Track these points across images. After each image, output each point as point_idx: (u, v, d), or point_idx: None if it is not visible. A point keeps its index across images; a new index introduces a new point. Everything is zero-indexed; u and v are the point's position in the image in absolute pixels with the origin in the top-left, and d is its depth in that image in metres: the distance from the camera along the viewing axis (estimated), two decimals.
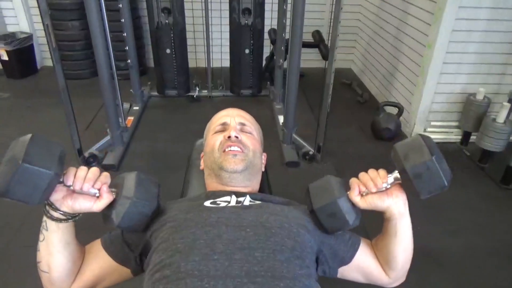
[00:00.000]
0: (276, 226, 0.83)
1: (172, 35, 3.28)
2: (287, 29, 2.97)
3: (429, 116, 2.93)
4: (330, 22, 2.51)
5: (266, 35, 3.57)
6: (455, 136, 2.97)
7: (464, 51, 2.69)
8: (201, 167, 1.09)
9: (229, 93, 3.67)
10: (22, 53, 3.79)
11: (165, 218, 0.88)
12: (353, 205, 0.84)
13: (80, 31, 3.71)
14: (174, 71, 3.44)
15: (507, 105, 2.46)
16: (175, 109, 3.44)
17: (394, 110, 2.99)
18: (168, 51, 3.34)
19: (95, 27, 2.28)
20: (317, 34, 3.74)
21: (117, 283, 0.94)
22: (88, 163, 2.47)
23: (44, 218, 0.80)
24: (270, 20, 3.56)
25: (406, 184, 0.81)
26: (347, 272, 0.95)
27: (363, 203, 0.83)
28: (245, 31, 3.36)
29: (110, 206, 0.80)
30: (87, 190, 0.77)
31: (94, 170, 0.79)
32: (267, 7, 3.40)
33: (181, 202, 0.95)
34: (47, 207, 0.79)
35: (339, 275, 0.95)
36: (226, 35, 3.52)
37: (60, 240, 0.81)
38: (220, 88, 3.67)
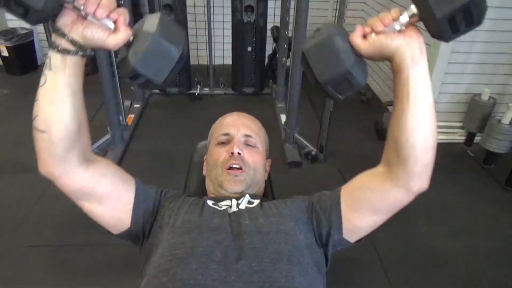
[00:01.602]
0: (273, 230, 0.81)
1: None
2: (290, 26, 2.93)
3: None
4: (334, 20, 2.48)
5: (268, 33, 3.53)
6: (459, 137, 2.94)
7: (469, 50, 2.65)
8: (204, 172, 1.07)
9: (231, 91, 3.64)
10: (23, 49, 3.76)
11: (167, 216, 0.86)
12: (356, 52, 0.67)
13: None
14: None
15: None
16: (177, 107, 3.41)
17: None
18: None
19: None
20: None
21: (101, 218, 0.84)
22: None
23: (49, 53, 0.67)
24: (273, 18, 3.52)
25: (422, 10, 0.62)
26: (351, 226, 0.83)
27: (365, 44, 0.65)
28: (247, 29, 3.33)
29: (127, 47, 0.67)
30: (101, 17, 0.63)
31: None
32: (270, 4, 3.37)
33: (185, 199, 0.92)
34: (53, 34, 0.65)
35: (350, 237, 0.85)
36: (228, 32, 3.48)
37: (65, 84, 0.67)
38: (222, 86, 3.64)
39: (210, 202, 0.89)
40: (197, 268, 0.73)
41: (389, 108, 2.98)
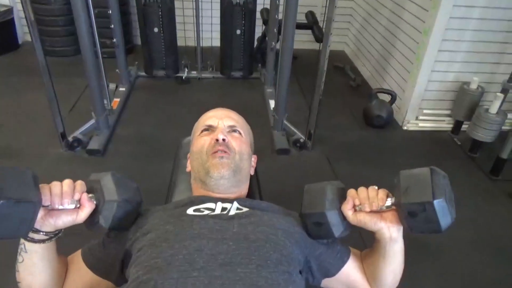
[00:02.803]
0: (262, 238, 0.79)
1: (160, 13, 3.14)
2: (280, 8, 2.86)
3: (422, 104, 2.90)
4: (326, 2, 2.42)
5: (258, 15, 3.45)
6: (446, 125, 2.96)
7: (459, 39, 2.64)
8: (188, 169, 1.04)
9: (219, 75, 3.58)
10: (2, 27, 3.62)
11: (146, 227, 0.83)
12: (344, 217, 0.82)
13: (63, 6, 3.53)
14: (162, 51, 3.32)
15: (500, 95, 2.44)
16: (163, 90, 3.33)
17: (386, 97, 2.95)
18: (156, 30, 3.21)
19: (77, 2, 2.15)
20: (310, 15, 3.63)
21: None
22: (72, 147, 2.39)
23: (22, 241, 0.75)
24: (262, 0, 3.43)
25: (400, 215, 0.77)
26: (331, 283, 0.93)
27: (353, 218, 0.80)
28: (236, 11, 3.24)
29: (93, 212, 0.77)
30: (67, 204, 0.73)
31: (68, 182, 0.76)
32: None
33: (163, 210, 0.90)
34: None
35: (322, 285, 0.93)
36: (217, 13, 3.38)
37: (41, 259, 0.77)
38: (210, 69, 3.57)
39: (190, 211, 0.86)
40: (178, 278, 0.71)
41: (379, 95, 2.96)
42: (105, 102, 2.62)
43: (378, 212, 0.79)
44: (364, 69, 3.83)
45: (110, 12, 2.90)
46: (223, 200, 0.90)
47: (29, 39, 3.91)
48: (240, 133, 1.01)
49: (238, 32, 3.34)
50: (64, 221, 0.74)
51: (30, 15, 2.01)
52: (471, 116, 2.65)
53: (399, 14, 3.08)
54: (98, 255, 0.88)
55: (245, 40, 3.40)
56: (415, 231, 0.75)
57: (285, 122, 2.68)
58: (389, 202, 0.78)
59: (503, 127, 2.60)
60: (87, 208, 0.75)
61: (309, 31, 3.57)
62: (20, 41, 3.90)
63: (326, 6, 2.48)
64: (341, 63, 3.95)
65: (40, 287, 0.79)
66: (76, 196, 0.75)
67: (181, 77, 3.44)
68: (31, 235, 0.74)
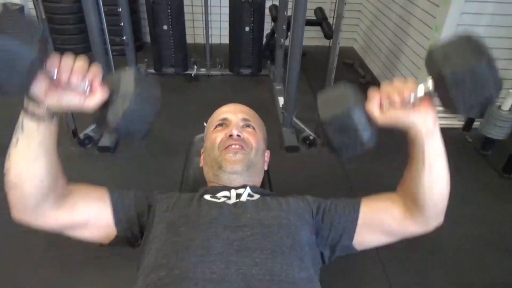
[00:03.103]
0: (275, 224, 0.80)
1: (169, 10, 3.15)
2: (290, 5, 2.85)
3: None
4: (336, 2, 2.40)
5: (267, 11, 3.44)
6: (458, 122, 2.92)
7: None
8: (201, 164, 1.04)
9: (228, 72, 3.58)
10: None
11: (163, 209, 0.84)
12: (370, 120, 0.69)
13: (73, 4, 3.55)
14: (171, 48, 3.34)
15: None
16: (172, 88, 3.35)
17: None
18: (165, 27, 3.22)
19: (87, 0, 2.17)
20: (319, 11, 3.61)
21: (90, 239, 0.85)
22: (84, 144, 2.41)
23: (21, 116, 0.66)
24: None
25: (441, 95, 0.65)
26: (362, 238, 0.86)
27: (382, 117, 0.69)
28: (245, 7, 3.24)
29: (104, 106, 0.66)
30: (75, 83, 0.63)
31: (83, 61, 0.64)
32: None
33: (180, 195, 0.90)
34: (27, 102, 0.64)
35: (358, 247, 0.87)
36: (226, 10, 3.39)
37: (38, 145, 0.67)
38: (219, 66, 3.57)
39: (207, 197, 0.87)
40: (196, 262, 0.72)
41: None
42: None
43: (409, 105, 0.69)
44: (373, 66, 3.80)
45: (120, 10, 2.91)
46: (237, 188, 0.91)
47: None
48: (254, 128, 1.02)
49: (247, 29, 3.33)
50: (69, 101, 0.64)
51: (41, 13, 2.04)
52: (483, 113, 2.62)
53: (410, 10, 3.04)
54: (126, 200, 0.86)
55: (254, 37, 3.39)
56: (462, 108, 0.63)
57: (294, 119, 2.67)
58: (421, 89, 0.67)
59: None
60: (98, 95, 0.64)
61: (318, 28, 3.55)
62: None
63: (336, 2, 2.47)
64: (350, 59, 3.92)
65: (32, 181, 0.69)
66: (89, 77, 0.63)
67: (190, 74, 3.45)
68: (31, 108, 0.64)
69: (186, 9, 3.35)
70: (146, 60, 3.51)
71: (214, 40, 3.48)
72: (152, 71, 3.48)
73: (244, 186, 0.91)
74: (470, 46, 0.62)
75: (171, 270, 0.72)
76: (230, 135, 0.95)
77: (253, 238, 0.76)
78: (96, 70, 0.64)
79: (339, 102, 0.70)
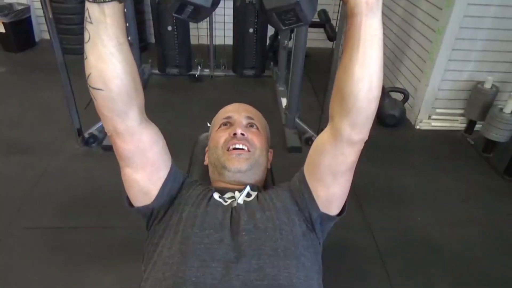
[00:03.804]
0: (270, 226, 0.82)
1: None
2: None
3: (435, 103, 2.88)
4: (340, 1, 2.41)
5: None
6: (460, 124, 2.93)
7: (474, 37, 2.61)
8: (205, 162, 1.07)
9: (231, 73, 3.60)
10: (20, 25, 3.69)
11: (180, 202, 0.88)
12: None
13: (78, 4, 3.59)
14: (175, 49, 3.36)
15: None
16: (176, 88, 3.38)
17: (399, 96, 2.94)
18: (169, 28, 3.25)
19: None
20: (323, 13, 3.63)
21: (134, 184, 0.86)
22: (88, 143, 2.44)
23: (86, 6, 0.65)
24: None
25: None
26: (322, 197, 0.84)
27: None
28: (249, 9, 3.26)
29: None
30: None
31: None
32: None
33: (197, 187, 0.93)
34: None
35: (326, 209, 0.85)
36: (230, 11, 3.41)
37: (110, 36, 0.66)
38: (223, 67, 3.60)
39: (216, 195, 0.89)
40: (199, 266, 0.75)
41: (391, 94, 2.95)
42: None
43: None
44: None
45: (125, 10, 2.94)
46: (240, 190, 0.92)
47: (46, 37, 4.01)
48: (257, 128, 1.03)
49: (251, 30, 3.35)
50: None
51: (48, 14, 2.06)
52: (484, 115, 2.63)
53: (413, 13, 3.06)
54: (178, 175, 0.91)
55: (258, 38, 3.41)
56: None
57: (297, 120, 2.69)
58: None
59: None
60: None
61: (321, 30, 3.57)
62: (37, 39, 3.98)
63: (339, 5, 2.49)
64: None
65: (114, 80, 0.68)
66: None
67: (194, 75, 3.47)
68: None
69: None
70: (150, 60, 3.54)
71: (218, 41, 3.51)
72: (156, 71, 3.51)
73: (245, 185, 0.93)
74: None
75: (175, 272, 0.74)
76: (234, 134, 0.97)
77: (250, 243, 0.78)
78: None
79: None
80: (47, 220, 1.93)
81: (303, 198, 0.85)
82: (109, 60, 0.67)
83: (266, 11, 0.63)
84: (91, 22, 0.65)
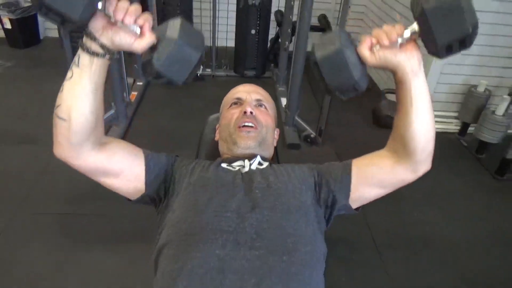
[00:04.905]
0: (282, 187, 0.89)
1: (178, 11, 3.27)
2: (295, 10, 2.96)
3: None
4: (340, 7, 2.51)
5: (272, 17, 3.55)
6: (454, 127, 3.02)
7: None
8: (216, 138, 1.14)
9: (233, 73, 3.68)
10: (26, 22, 3.76)
11: (184, 175, 0.93)
12: (361, 61, 0.76)
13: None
14: None
15: (507, 98, 2.50)
16: (178, 86, 3.41)
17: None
18: None
19: None
20: (323, 18, 3.73)
21: (120, 190, 0.92)
22: None
23: (78, 52, 0.73)
24: (277, 1, 3.54)
25: (424, 33, 0.71)
26: (356, 195, 0.92)
27: (372, 57, 0.76)
28: (252, 11, 3.35)
29: (151, 51, 0.72)
30: (128, 23, 0.70)
31: (137, 5, 0.71)
32: None
33: (199, 161, 1.00)
34: (85, 37, 0.72)
35: (354, 204, 0.94)
36: (233, 14, 3.50)
37: (90, 81, 0.74)
38: (224, 68, 3.68)
39: (224, 164, 0.96)
40: (214, 216, 0.82)
41: (387, 95, 3.04)
42: (124, 94, 2.74)
43: (396, 47, 0.75)
44: (374, 72, 3.90)
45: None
46: (250, 158, 0.99)
47: (50, 35, 4.09)
48: (266, 108, 1.11)
49: (253, 32, 3.44)
50: (122, 39, 0.71)
51: None
52: (477, 118, 2.72)
53: (410, 18, 3.15)
54: (158, 161, 0.94)
55: (259, 40, 3.50)
56: (441, 40, 0.69)
57: (296, 118, 2.77)
58: (407, 32, 0.74)
59: (509, 130, 2.66)
60: (147, 38, 0.71)
61: (321, 33, 3.66)
62: (41, 36, 4.04)
63: (339, 10, 2.58)
64: None
65: (79, 117, 0.75)
66: (140, 21, 0.71)
67: (196, 74, 3.54)
68: (88, 42, 0.72)
69: (195, 12, 3.46)
70: None
71: (221, 42, 3.59)
72: None
73: (254, 155, 1.00)
74: None
75: (191, 223, 0.81)
76: (245, 112, 1.04)
77: (264, 199, 0.86)
78: (148, 16, 0.72)
79: (332, 42, 0.76)
80: (55, 207, 1.98)
81: (339, 185, 0.92)
82: (81, 100, 0.74)
83: (329, 90, 0.78)
84: (78, 66, 0.74)
